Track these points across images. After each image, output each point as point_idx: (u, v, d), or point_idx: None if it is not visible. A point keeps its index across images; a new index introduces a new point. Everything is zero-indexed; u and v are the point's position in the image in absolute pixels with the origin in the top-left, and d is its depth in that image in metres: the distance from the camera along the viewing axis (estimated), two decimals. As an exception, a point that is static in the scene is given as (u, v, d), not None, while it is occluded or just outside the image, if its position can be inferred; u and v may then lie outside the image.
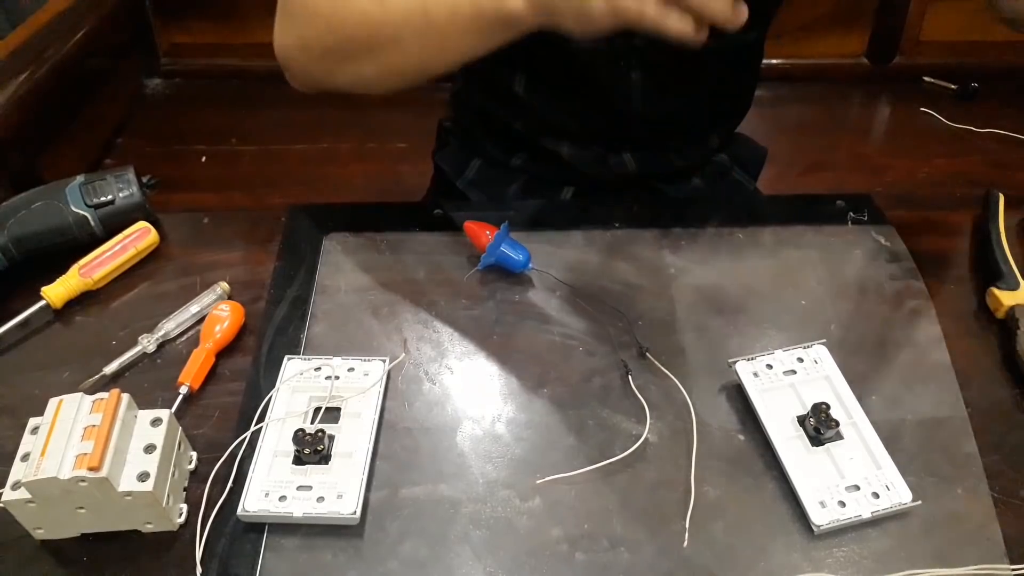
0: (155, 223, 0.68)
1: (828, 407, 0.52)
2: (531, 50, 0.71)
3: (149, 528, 0.49)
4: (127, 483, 0.46)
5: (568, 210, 0.75)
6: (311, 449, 0.50)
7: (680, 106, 0.78)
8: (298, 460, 0.50)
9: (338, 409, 0.54)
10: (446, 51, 0.57)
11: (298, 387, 0.55)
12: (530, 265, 0.64)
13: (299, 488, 0.49)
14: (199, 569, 0.46)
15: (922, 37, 1.40)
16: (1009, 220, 0.67)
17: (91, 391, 0.54)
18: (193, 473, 0.52)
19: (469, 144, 0.88)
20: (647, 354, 0.58)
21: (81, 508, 0.46)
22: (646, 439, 0.53)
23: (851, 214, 0.69)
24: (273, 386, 0.55)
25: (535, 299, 0.63)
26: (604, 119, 0.76)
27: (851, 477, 0.50)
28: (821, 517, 0.48)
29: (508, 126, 0.81)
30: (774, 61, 1.35)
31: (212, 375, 0.58)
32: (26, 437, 0.47)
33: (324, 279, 0.65)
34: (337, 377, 0.56)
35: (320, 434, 0.50)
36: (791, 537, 0.48)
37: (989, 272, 0.63)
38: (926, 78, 1.43)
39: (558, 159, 0.79)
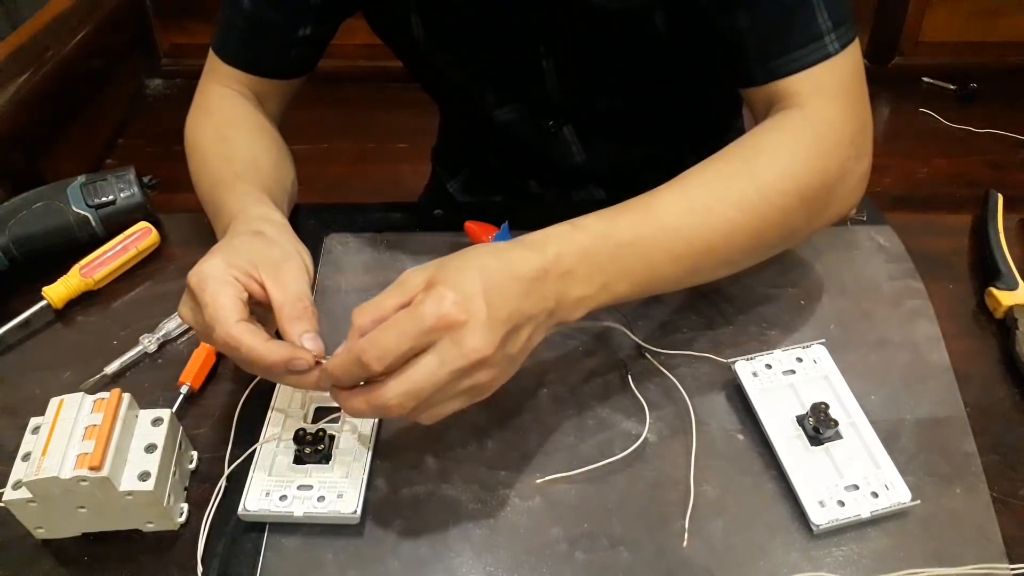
0: (156, 223, 0.68)
1: (827, 407, 0.52)
2: (470, 121, 0.79)
3: (150, 528, 0.49)
4: (128, 483, 0.46)
5: (569, 210, 0.75)
6: (312, 448, 0.50)
7: (630, 152, 0.78)
8: (298, 459, 0.50)
9: (339, 408, 0.54)
10: None
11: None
12: (530, 265, 0.64)
13: (300, 487, 0.49)
14: (200, 568, 0.47)
15: (921, 37, 1.41)
16: (1008, 220, 0.67)
17: (92, 391, 0.54)
18: (194, 473, 0.52)
19: (461, 153, 0.90)
20: (647, 354, 0.58)
21: (82, 508, 0.46)
22: (646, 439, 0.53)
23: (850, 214, 0.69)
24: (274, 386, 0.55)
25: (535, 299, 0.63)
26: (555, 167, 0.78)
27: (850, 477, 0.50)
28: (820, 516, 0.48)
29: (484, 164, 0.85)
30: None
31: (213, 375, 0.58)
32: (27, 437, 0.47)
33: (324, 279, 0.65)
34: (337, 377, 0.56)
35: (321, 433, 0.51)
36: (790, 536, 0.48)
37: (988, 272, 0.63)
38: (925, 78, 1.43)
39: (532, 193, 0.83)
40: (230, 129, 0.66)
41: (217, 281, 0.48)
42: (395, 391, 0.43)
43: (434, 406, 0.45)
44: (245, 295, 0.48)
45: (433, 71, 0.74)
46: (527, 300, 0.45)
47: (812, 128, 0.54)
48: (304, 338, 0.47)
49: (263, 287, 0.49)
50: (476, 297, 0.43)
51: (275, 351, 0.46)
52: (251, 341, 0.46)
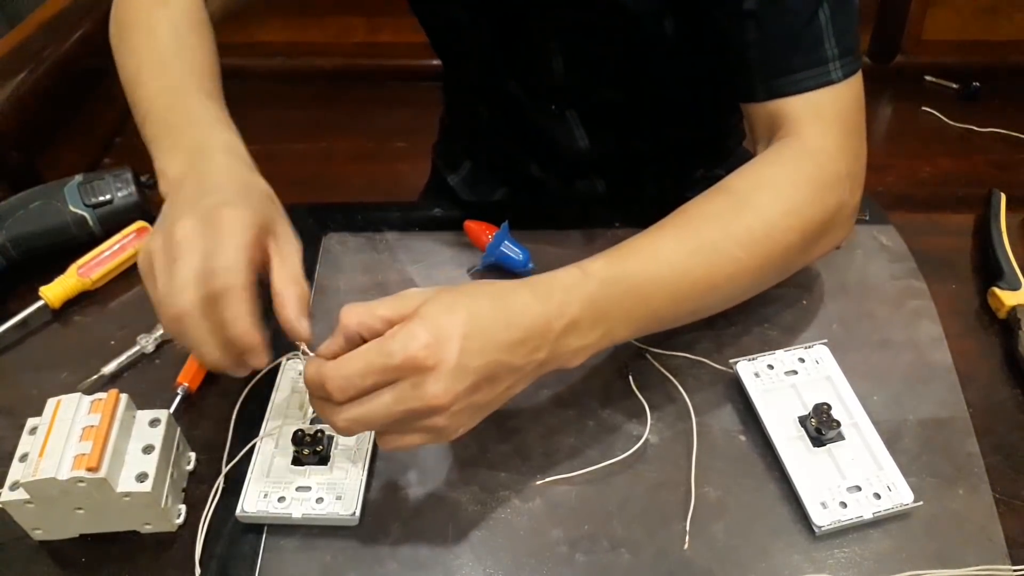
0: (153, 222, 0.68)
1: (829, 407, 0.51)
2: (479, 88, 0.78)
3: (148, 529, 0.48)
4: (125, 484, 0.46)
5: (568, 210, 0.75)
6: (310, 450, 0.50)
7: (631, 144, 0.77)
8: (297, 461, 0.50)
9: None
10: None
11: (297, 387, 0.55)
12: (530, 264, 0.63)
13: (298, 489, 0.49)
14: (198, 570, 0.46)
15: (924, 36, 1.40)
16: (1011, 220, 0.66)
17: (89, 391, 0.53)
18: (192, 474, 0.52)
19: (462, 145, 0.90)
20: (647, 354, 0.58)
21: (79, 509, 0.46)
22: (647, 440, 0.53)
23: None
24: (272, 386, 0.55)
25: (535, 299, 0.63)
26: (558, 151, 0.78)
27: (852, 478, 0.49)
28: (822, 518, 0.48)
29: (488, 143, 0.85)
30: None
31: (211, 375, 0.57)
32: (24, 437, 0.47)
33: (323, 279, 0.65)
34: (336, 377, 0.55)
35: (319, 435, 0.50)
36: (792, 538, 0.48)
37: (991, 272, 0.63)
38: (928, 77, 1.43)
39: (534, 178, 0.82)
40: (188, 29, 0.62)
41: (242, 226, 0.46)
42: (345, 415, 0.44)
43: (389, 434, 0.45)
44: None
45: (453, 33, 0.73)
46: (513, 353, 0.44)
47: (812, 159, 0.54)
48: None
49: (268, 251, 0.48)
50: (451, 341, 0.42)
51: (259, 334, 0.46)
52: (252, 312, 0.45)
